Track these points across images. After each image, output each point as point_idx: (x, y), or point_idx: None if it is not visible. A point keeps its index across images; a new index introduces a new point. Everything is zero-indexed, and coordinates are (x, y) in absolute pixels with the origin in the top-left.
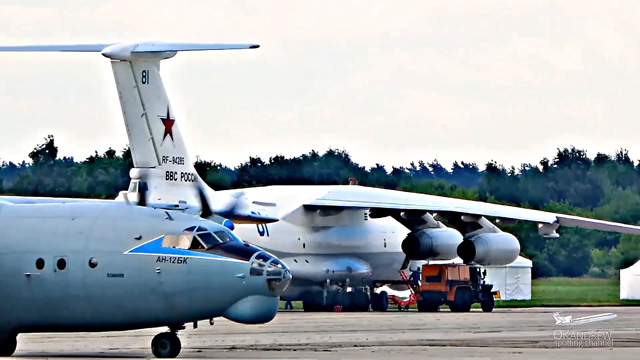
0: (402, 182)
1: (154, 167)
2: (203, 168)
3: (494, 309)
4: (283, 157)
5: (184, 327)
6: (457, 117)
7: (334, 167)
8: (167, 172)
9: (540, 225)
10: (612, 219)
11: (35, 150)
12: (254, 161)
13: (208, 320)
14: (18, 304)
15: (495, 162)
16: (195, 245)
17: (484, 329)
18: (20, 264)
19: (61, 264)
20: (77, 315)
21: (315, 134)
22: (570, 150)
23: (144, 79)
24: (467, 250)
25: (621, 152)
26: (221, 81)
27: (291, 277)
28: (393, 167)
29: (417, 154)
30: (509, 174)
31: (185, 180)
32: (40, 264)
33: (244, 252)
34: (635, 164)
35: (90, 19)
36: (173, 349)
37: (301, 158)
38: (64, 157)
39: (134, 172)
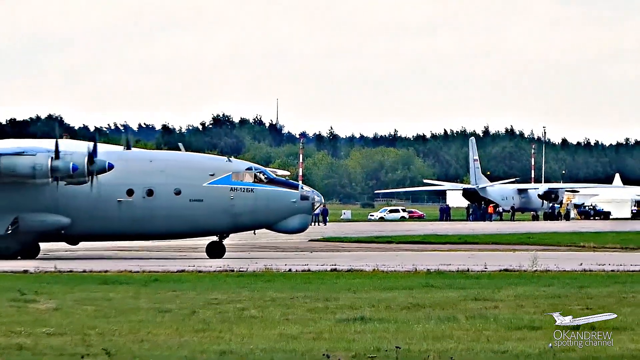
0: (102, 138)
1: None
2: None
3: None
4: (15, 119)
5: (226, 237)
6: (143, 90)
7: (52, 126)
8: None
9: None
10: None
11: None
12: None
13: (252, 232)
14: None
15: (169, 123)
16: (256, 179)
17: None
18: (115, 193)
19: (150, 192)
20: (161, 228)
21: (39, 101)
22: (222, 115)
23: None
24: None
25: (257, 117)
26: None
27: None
28: (95, 127)
29: (112, 117)
30: (179, 132)
31: None
32: (130, 192)
33: (292, 185)
34: (267, 125)
35: None
36: (220, 251)
37: (29, 120)
38: None
39: None
